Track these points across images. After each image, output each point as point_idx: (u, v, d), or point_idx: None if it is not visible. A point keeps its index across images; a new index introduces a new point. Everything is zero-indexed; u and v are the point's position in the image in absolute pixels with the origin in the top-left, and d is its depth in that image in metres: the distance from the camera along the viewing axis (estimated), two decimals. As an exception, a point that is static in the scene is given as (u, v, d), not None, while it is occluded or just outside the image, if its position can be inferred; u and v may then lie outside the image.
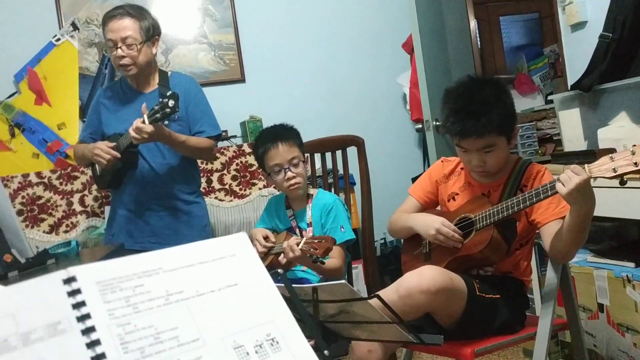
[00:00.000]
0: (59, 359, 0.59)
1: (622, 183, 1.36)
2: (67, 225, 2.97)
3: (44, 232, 2.94)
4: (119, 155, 2.24)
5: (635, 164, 1.31)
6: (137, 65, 2.29)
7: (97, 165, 2.42)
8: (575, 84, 2.41)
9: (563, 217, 1.52)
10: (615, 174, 1.34)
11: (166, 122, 2.23)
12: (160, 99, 2.10)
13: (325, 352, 0.77)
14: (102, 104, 2.46)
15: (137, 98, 2.39)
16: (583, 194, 1.38)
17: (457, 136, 1.63)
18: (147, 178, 2.36)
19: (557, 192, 1.42)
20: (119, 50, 2.26)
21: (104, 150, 2.23)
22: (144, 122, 2.12)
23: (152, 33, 2.32)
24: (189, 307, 0.68)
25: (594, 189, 1.53)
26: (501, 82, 1.75)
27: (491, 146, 1.61)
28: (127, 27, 2.25)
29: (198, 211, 2.47)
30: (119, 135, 2.28)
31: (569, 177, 1.37)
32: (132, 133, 2.12)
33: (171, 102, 2.05)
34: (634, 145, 1.33)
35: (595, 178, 1.38)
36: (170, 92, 2.10)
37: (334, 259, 2.00)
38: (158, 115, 2.08)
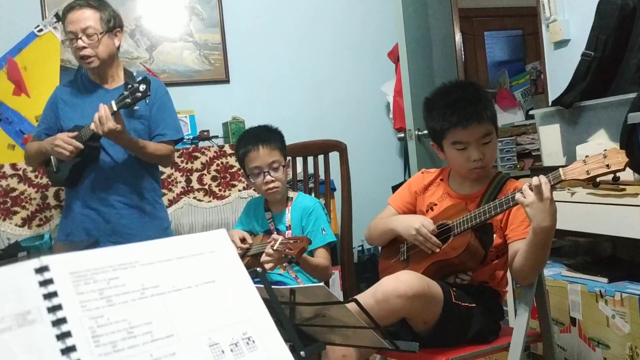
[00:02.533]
0: (27, 349, 0.57)
1: (595, 185, 1.40)
2: (40, 219, 2.91)
3: (16, 225, 2.88)
4: (81, 146, 2.16)
5: (607, 166, 1.34)
6: (99, 56, 2.25)
7: (52, 162, 2.33)
8: (557, 99, 2.44)
9: None
10: (588, 176, 1.37)
11: (135, 108, 2.19)
12: (131, 85, 2.07)
13: (302, 353, 0.76)
14: (61, 98, 2.39)
15: (99, 92, 2.33)
16: (542, 209, 1.39)
17: (457, 127, 1.61)
18: (110, 173, 2.30)
19: None
20: (80, 41, 2.22)
21: (65, 140, 2.16)
22: (111, 107, 2.08)
23: (113, 24, 2.28)
24: (165, 302, 0.67)
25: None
26: (477, 83, 1.80)
27: (489, 135, 1.63)
28: (87, 17, 2.22)
29: (160, 213, 2.43)
30: (80, 127, 2.21)
31: (530, 191, 1.40)
32: (96, 118, 2.06)
33: (142, 87, 2.02)
34: (606, 150, 1.37)
35: (569, 181, 1.40)
36: (142, 77, 2.07)
37: (320, 259, 2.00)
38: (128, 100, 2.04)
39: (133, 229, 2.32)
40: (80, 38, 2.21)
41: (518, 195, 1.43)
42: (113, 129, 2.07)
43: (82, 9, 2.23)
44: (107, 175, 2.30)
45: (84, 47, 2.22)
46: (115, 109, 2.07)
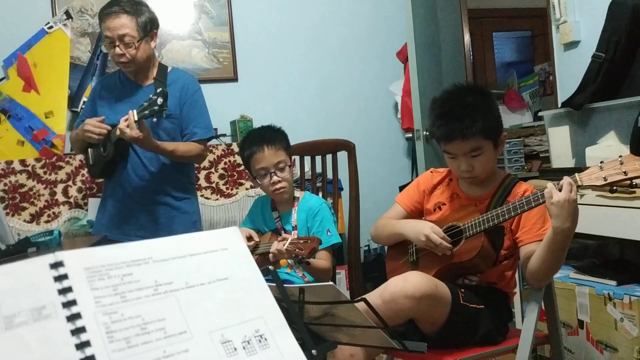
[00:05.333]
0: (42, 344, 0.57)
1: (612, 192, 1.38)
2: (48, 215, 2.93)
3: (24, 221, 2.89)
4: (109, 127, 2.21)
5: (625, 172, 1.33)
6: (136, 62, 2.28)
7: (89, 154, 2.39)
8: (566, 101, 2.43)
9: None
10: (605, 183, 1.36)
11: (154, 120, 2.23)
12: (150, 96, 2.09)
13: (313, 351, 0.76)
14: (99, 94, 2.44)
15: (134, 91, 2.37)
16: (567, 210, 1.39)
17: (443, 140, 1.66)
18: (138, 172, 2.35)
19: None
20: (117, 48, 2.24)
21: (93, 124, 2.22)
22: (133, 116, 2.11)
23: (149, 28, 2.29)
24: (178, 299, 0.67)
25: (579, 205, 1.54)
26: (485, 89, 1.78)
27: (477, 150, 1.62)
28: (124, 24, 2.22)
29: (188, 207, 2.44)
30: (112, 126, 2.25)
31: (558, 189, 1.39)
32: (121, 126, 2.11)
33: (160, 100, 2.05)
34: (621, 156, 1.36)
35: (585, 187, 1.39)
36: (159, 89, 2.09)
37: (322, 261, 2.00)
38: (146, 112, 2.08)
39: (161, 223, 2.37)
40: (118, 46, 2.23)
41: (546, 192, 1.41)
42: (135, 137, 2.11)
43: (118, 15, 2.22)
44: (136, 174, 2.35)
45: (122, 54, 2.25)
46: (136, 118, 2.10)
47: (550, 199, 1.40)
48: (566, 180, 1.40)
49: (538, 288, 1.59)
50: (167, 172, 2.37)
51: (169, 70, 2.41)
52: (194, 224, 2.46)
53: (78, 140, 2.38)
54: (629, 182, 1.33)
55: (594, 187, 1.39)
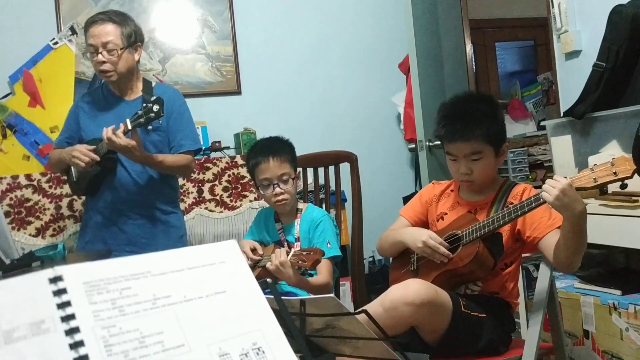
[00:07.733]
0: (41, 358, 0.58)
1: (603, 193, 1.40)
2: (54, 229, 2.94)
3: (30, 235, 2.91)
4: (98, 158, 2.20)
5: (615, 173, 1.35)
6: (117, 71, 2.29)
7: (72, 171, 2.38)
8: (568, 111, 2.43)
9: (559, 228, 1.53)
10: (595, 184, 1.38)
11: (149, 127, 2.22)
12: (145, 104, 2.10)
13: (311, 363, 0.76)
14: (82, 108, 2.43)
15: (119, 105, 2.38)
16: (569, 197, 1.40)
17: (445, 140, 1.70)
18: (125, 185, 2.34)
19: (542, 203, 1.46)
20: (100, 55, 2.25)
21: (82, 152, 2.20)
22: (126, 126, 2.11)
23: (134, 39, 2.31)
24: (176, 313, 0.68)
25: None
26: (494, 99, 1.83)
27: (478, 153, 1.65)
28: (108, 32, 2.25)
29: (175, 221, 2.45)
30: (98, 140, 2.24)
31: (551, 185, 1.41)
32: (109, 135, 2.09)
33: (156, 107, 2.05)
34: (613, 158, 1.38)
35: (577, 189, 1.41)
36: (155, 97, 2.10)
37: (321, 275, 1.99)
38: (142, 119, 2.08)
39: (148, 238, 2.35)
40: (101, 53, 2.25)
41: (543, 194, 1.43)
42: (125, 146, 2.10)
43: (104, 23, 2.26)
44: (123, 187, 2.34)
45: (104, 62, 2.26)
46: (129, 127, 2.11)
47: (549, 199, 1.41)
48: (548, 181, 1.42)
49: (573, 271, 1.64)
50: (155, 185, 2.36)
51: (153, 85, 2.43)
52: (181, 238, 2.46)
53: (61, 162, 2.35)
54: (619, 182, 1.36)
55: (584, 189, 1.41)
